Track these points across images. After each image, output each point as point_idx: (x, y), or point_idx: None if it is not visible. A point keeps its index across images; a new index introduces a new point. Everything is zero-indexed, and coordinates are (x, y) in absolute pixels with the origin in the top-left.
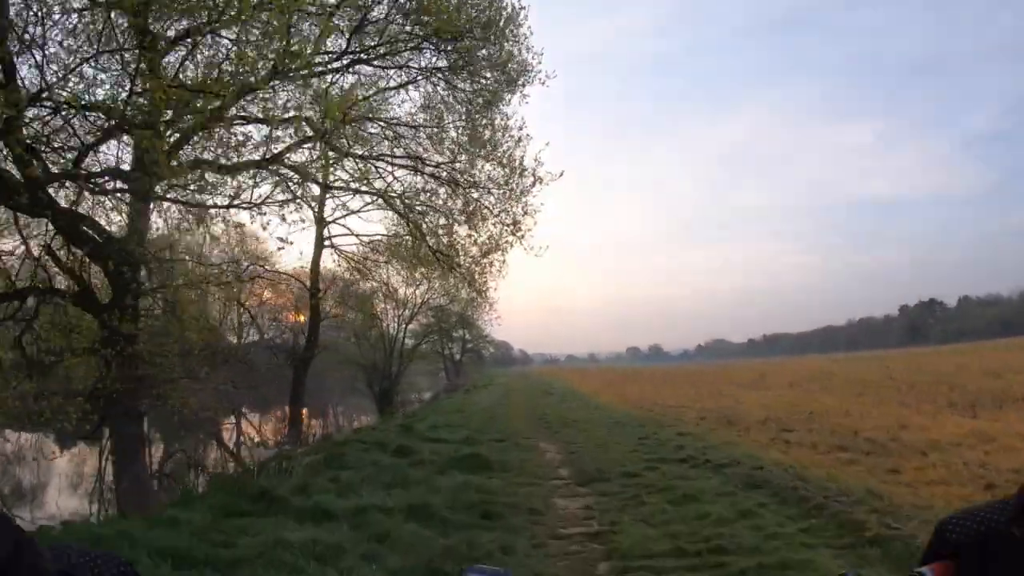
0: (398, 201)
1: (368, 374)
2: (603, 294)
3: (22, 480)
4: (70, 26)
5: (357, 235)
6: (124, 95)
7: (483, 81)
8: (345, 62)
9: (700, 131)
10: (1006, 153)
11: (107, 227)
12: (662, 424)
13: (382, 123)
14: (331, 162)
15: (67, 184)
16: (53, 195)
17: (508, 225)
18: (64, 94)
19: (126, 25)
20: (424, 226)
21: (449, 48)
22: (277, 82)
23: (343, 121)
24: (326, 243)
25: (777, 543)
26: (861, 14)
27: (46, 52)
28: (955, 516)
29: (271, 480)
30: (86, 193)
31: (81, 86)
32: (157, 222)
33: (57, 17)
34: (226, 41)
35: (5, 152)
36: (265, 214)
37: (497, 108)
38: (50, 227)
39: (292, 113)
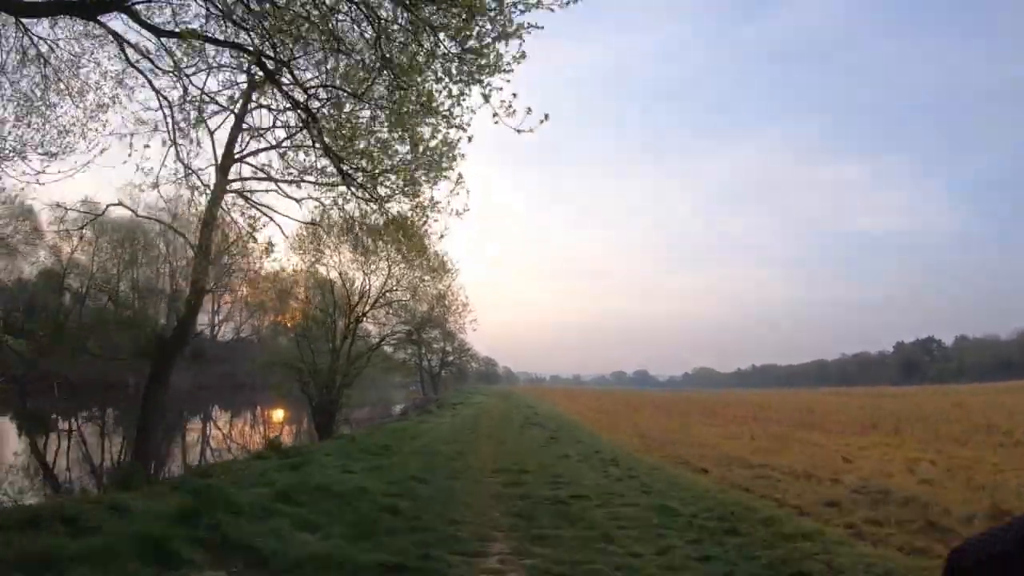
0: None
1: (303, 381)
2: (590, 315)
3: None
4: None
5: (275, 179)
6: None
7: None
8: None
9: (698, 159)
10: (1002, 198)
11: None
12: (776, 520)
13: None
14: None
15: None
16: None
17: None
18: None
19: None
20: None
21: None
22: None
23: None
24: (231, 188)
25: None
26: (864, 53)
27: None
28: (966, 544)
29: None
30: None
31: None
32: None
33: None
34: None
35: None
36: None
37: None
38: None
39: None
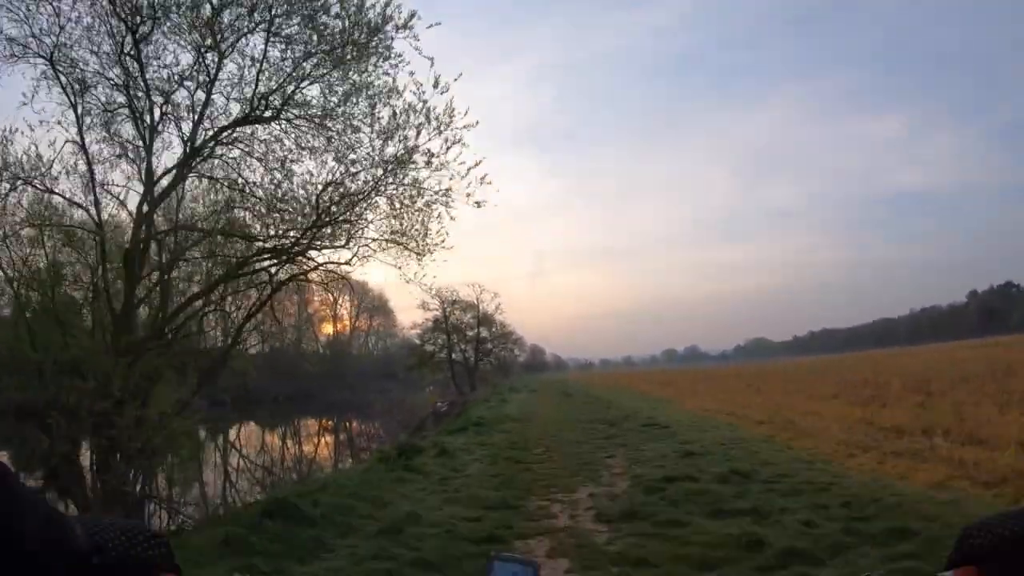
0: None
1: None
2: (634, 296)
3: None
4: None
5: None
6: None
7: None
8: None
9: (728, 127)
10: None
11: None
12: None
13: None
14: None
15: None
16: None
17: None
18: None
19: None
20: None
21: None
22: None
23: None
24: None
25: None
26: (888, 5)
27: None
28: (979, 523)
29: None
30: None
31: None
32: None
33: None
34: None
35: None
36: None
37: None
38: None
39: None
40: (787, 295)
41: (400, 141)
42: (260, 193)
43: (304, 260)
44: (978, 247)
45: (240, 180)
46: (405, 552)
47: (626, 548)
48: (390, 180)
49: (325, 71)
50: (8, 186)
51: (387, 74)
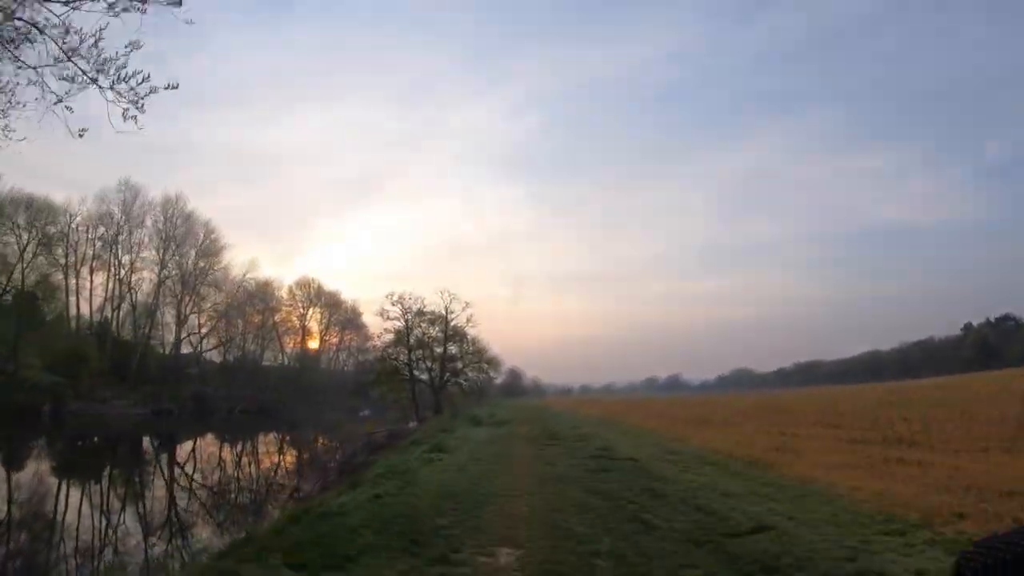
0: None
1: None
2: (616, 323)
3: None
4: None
5: None
6: None
7: None
8: None
9: (712, 159)
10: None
11: None
12: None
13: None
14: None
15: None
16: None
17: None
18: None
19: None
20: None
21: None
22: None
23: None
24: None
25: None
26: (873, 42)
27: None
28: (975, 546)
29: None
30: None
31: None
32: None
33: None
34: None
35: None
36: None
37: None
38: None
39: None
40: (771, 327)
41: None
42: None
43: None
44: (964, 283)
45: None
46: None
47: None
48: None
49: None
50: None
51: None
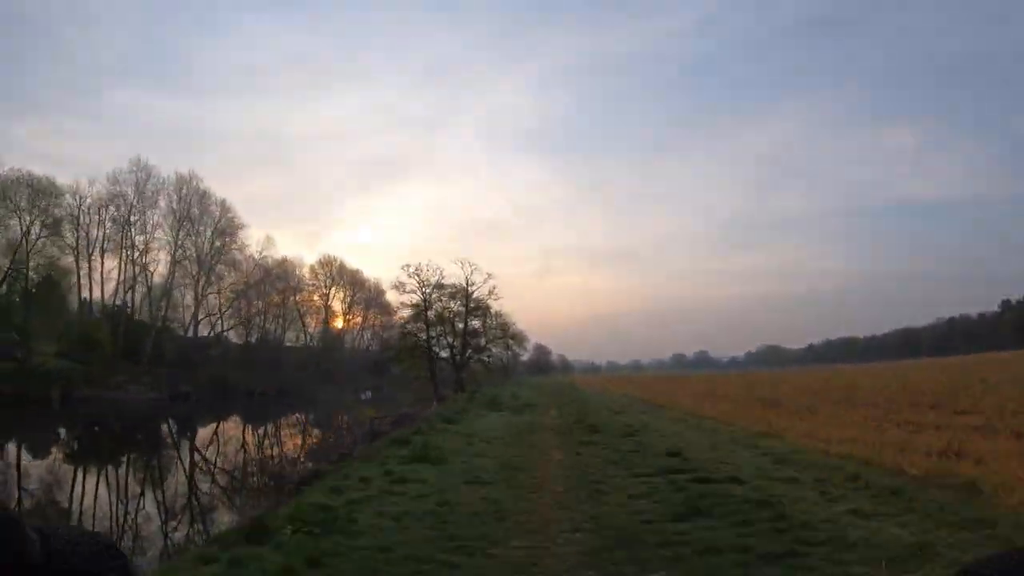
0: None
1: None
2: (642, 299)
3: None
4: None
5: None
6: None
7: None
8: None
9: (740, 134)
10: None
11: None
12: None
13: None
14: None
15: None
16: None
17: None
18: None
19: None
20: None
21: None
22: None
23: None
24: None
25: None
26: (903, 15)
27: None
28: (974, 564)
29: None
30: None
31: None
32: None
33: None
34: None
35: None
36: None
37: None
38: None
39: None
40: (801, 303)
41: None
42: None
43: None
44: (996, 259)
45: None
46: None
47: None
48: None
49: None
50: None
51: None
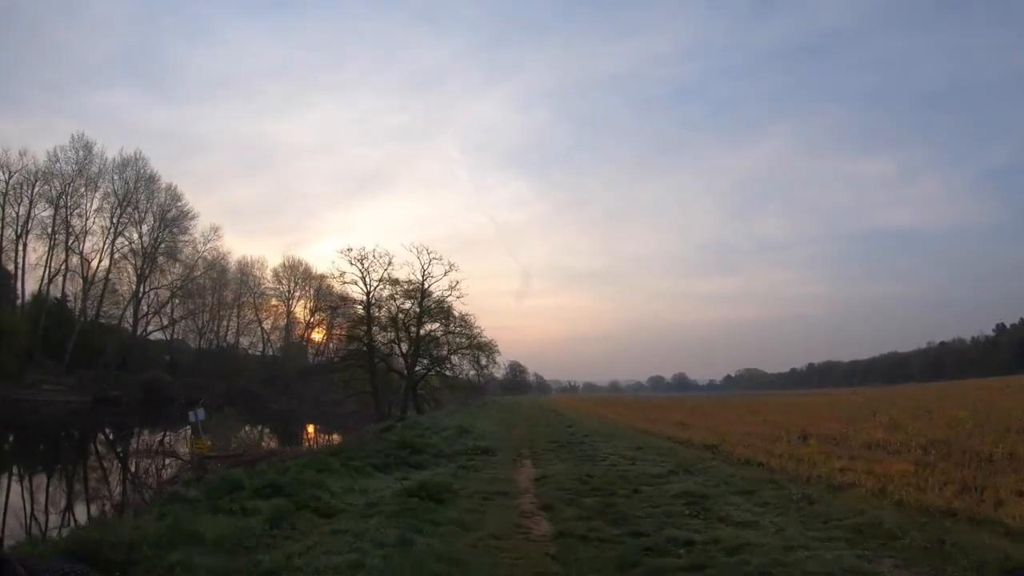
0: None
1: None
2: (621, 320)
3: None
4: None
5: None
6: None
7: None
8: None
9: (721, 158)
10: None
11: None
12: None
13: None
14: None
15: None
16: None
17: None
18: None
19: None
20: None
21: None
22: None
23: None
24: None
25: None
26: (881, 44)
27: None
28: None
29: None
30: None
31: None
32: None
33: None
34: None
35: None
36: None
37: None
38: None
39: None
40: (781, 328)
41: None
42: None
43: None
44: (980, 286)
45: None
46: None
47: None
48: None
49: None
50: None
51: None
